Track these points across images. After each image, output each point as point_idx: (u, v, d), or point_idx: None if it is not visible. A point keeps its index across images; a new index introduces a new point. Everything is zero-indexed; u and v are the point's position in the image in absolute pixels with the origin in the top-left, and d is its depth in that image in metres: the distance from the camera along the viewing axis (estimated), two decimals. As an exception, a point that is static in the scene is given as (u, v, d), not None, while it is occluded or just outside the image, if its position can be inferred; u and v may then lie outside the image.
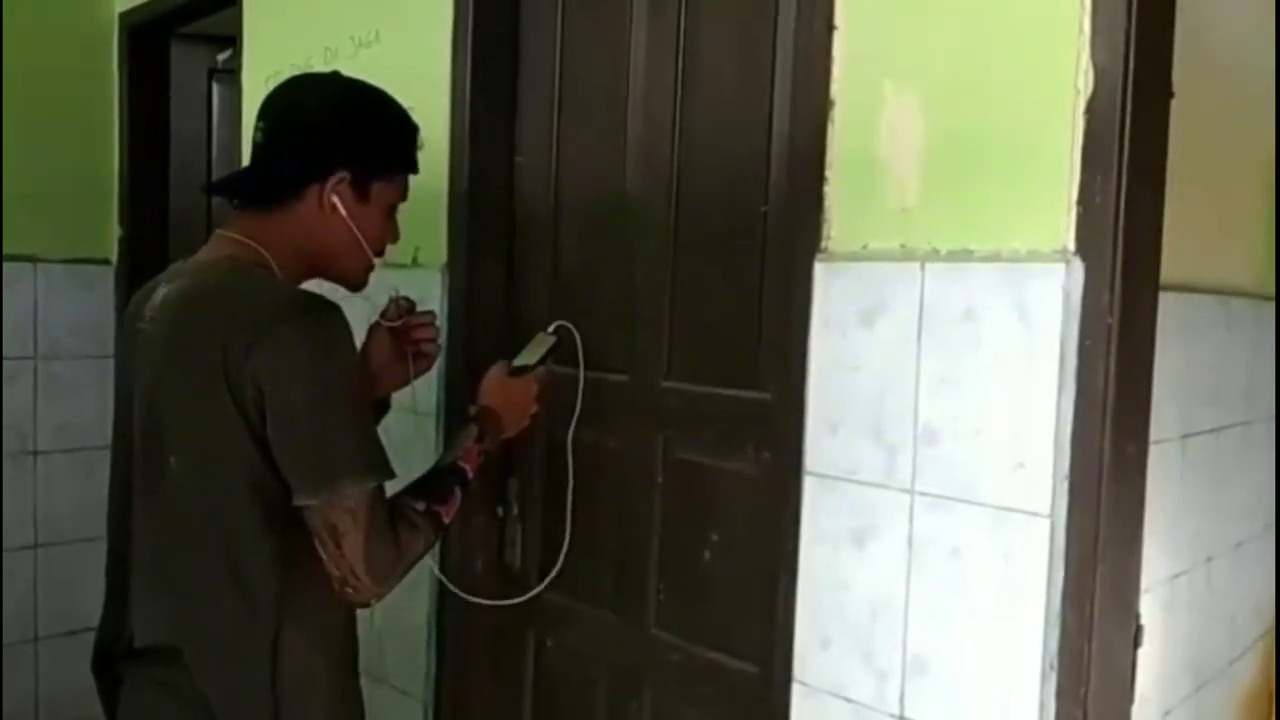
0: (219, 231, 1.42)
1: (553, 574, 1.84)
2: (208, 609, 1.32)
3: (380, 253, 1.47)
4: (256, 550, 1.30)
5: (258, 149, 1.41)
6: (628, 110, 1.78)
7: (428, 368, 1.66)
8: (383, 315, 1.61)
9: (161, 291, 1.39)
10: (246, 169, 1.43)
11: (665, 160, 1.71)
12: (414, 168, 1.49)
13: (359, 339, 1.57)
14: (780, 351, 1.49)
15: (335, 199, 1.38)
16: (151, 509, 1.36)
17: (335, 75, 1.46)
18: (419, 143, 1.49)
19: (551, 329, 1.75)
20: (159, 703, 1.35)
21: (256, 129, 1.41)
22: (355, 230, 1.40)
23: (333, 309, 1.30)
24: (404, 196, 1.49)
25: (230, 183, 1.44)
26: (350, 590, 1.29)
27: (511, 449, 1.98)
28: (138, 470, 1.38)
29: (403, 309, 1.61)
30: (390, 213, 1.47)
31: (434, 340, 1.64)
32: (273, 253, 1.38)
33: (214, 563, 1.31)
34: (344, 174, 1.38)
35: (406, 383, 1.65)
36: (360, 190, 1.40)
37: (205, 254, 1.41)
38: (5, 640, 2.92)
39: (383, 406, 1.68)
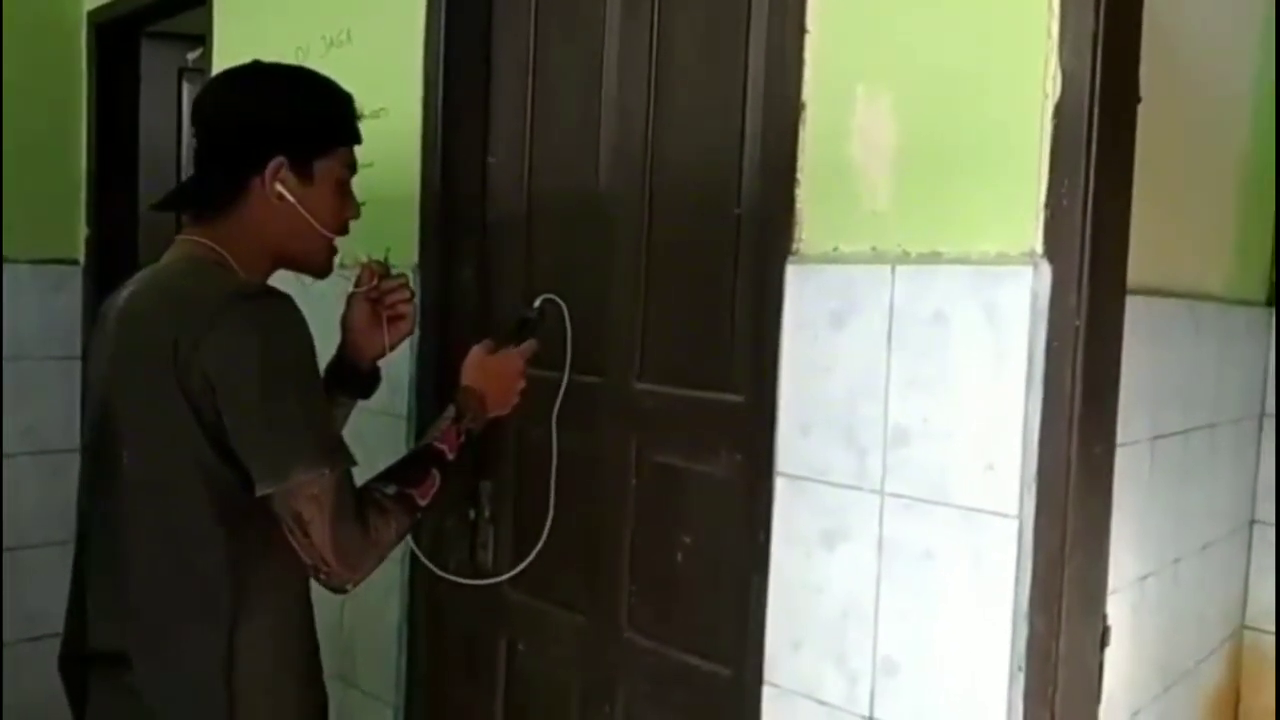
0: (179, 235, 1.42)
1: (523, 564, 1.81)
2: (159, 608, 1.31)
3: (341, 231, 1.46)
4: (209, 547, 1.28)
5: (195, 156, 1.42)
6: (601, 112, 1.78)
7: (408, 331, 1.65)
8: (356, 284, 1.61)
9: (125, 292, 1.40)
10: (189, 178, 1.43)
11: (638, 162, 1.71)
12: (354, 138, 1.46)
13: (338, 311, 1.59)
14: (752, 353, 1.49)
15: (279, 186, 1.38)
16: (105, 506, 1.36)
17: (253, 64, 1.45)
18: (357, 111, 1.47)
19: (537, 303, 1.75)
20: (122, 708, 1.33)
21: (192, 136, 1.41)
22: (305, 214, 1.39)
23: (281, 297, 1.30)
24: (353, 170, 1.47)
25: (176, 195, 1.43)
26: (324, 576, 1.29)
27: (483, 450, 1.97)
28: (94, 467, 1.38)
29: (376, 272, 1.60)
30: (342, 189, 1.45)
31: (409, 301, 1.63)
32: (232, 252, 1.38)
33: (164, 560, 1.30)
34: (280, 159, 1.37)
35: (386, 349, 1.64)
36: (303, 172, 1.39)
37: (167, 257, 1.42)
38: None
39: (373, 378, 1.67)
